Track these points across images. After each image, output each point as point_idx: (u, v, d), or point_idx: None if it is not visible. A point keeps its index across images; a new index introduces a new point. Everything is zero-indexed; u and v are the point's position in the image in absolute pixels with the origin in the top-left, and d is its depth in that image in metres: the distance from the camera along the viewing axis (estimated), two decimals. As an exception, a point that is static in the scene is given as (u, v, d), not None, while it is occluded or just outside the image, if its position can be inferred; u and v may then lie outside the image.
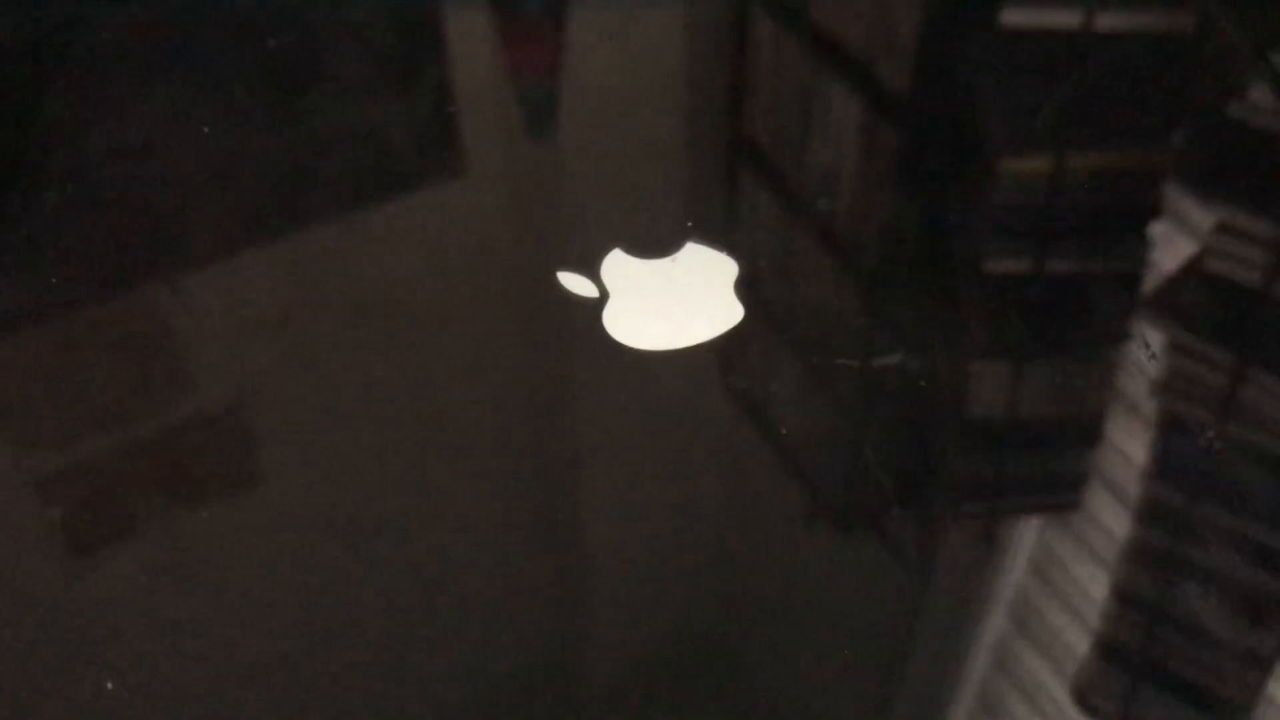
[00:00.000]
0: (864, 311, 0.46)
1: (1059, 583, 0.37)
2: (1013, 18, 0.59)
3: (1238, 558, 0.37)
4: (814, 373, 0.43)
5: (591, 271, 0.45)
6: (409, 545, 0.37)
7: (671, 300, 0.44)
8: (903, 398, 0.42)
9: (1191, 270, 0.47)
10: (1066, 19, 0.58)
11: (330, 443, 0.40)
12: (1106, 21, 0.59)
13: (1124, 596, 0.37)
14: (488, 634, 0.36)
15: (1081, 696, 0.34)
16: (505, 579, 0.37)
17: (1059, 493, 0.40)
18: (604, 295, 0.44)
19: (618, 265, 0.45)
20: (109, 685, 0.34)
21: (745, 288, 0.44)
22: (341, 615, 0.36)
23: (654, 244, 0.46)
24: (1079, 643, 0.36)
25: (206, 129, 0.51)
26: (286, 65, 0.55)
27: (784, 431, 0.41)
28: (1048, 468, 0.41)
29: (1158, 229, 0.48)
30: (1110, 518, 0.38)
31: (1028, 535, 0.39)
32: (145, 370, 0.43)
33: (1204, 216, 0.49)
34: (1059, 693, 0.34)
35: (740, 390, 0.42)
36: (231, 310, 0.45)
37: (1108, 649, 0.35)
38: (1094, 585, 0.37)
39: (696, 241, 0.46)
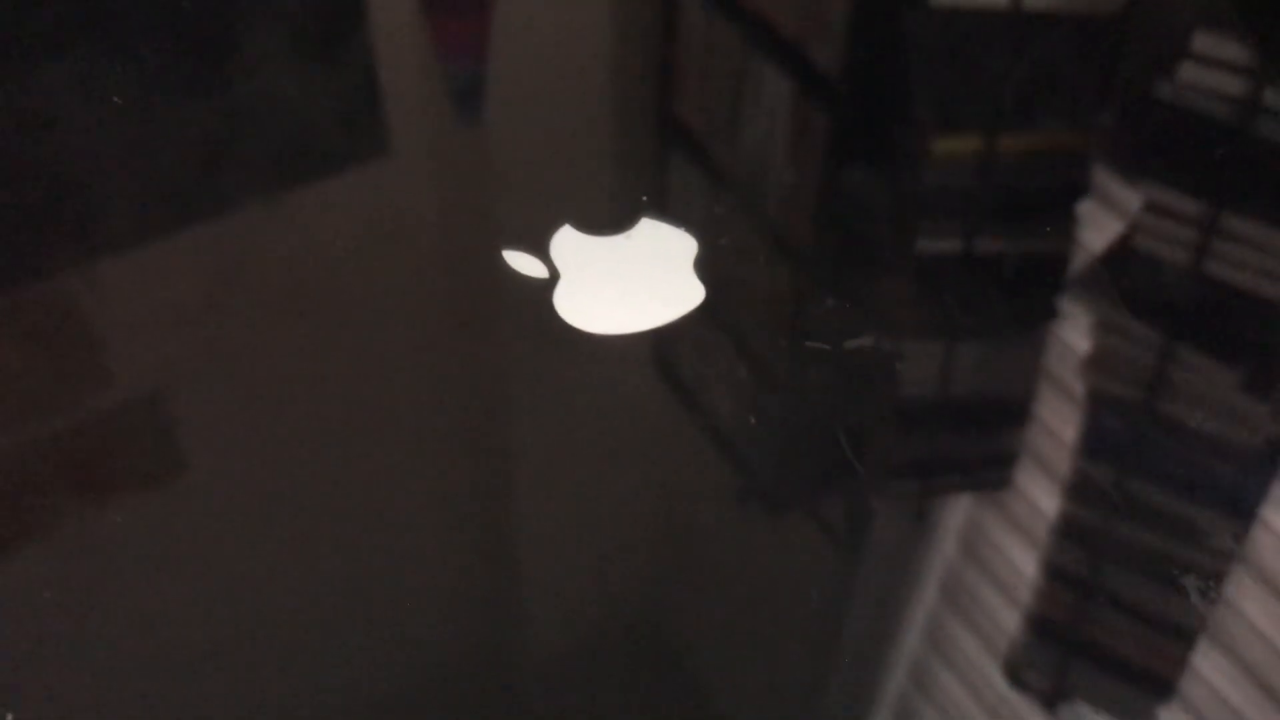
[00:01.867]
0: (817, 293, 0.45)
1: (989, 560, 0.37)
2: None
3: (1164, 534, 0.38)
4: (779, 355, 0.42)
5: (540, 249, 0.43)
6: (341, 532, 0.37)
7: (627, 280, 0.42)
8: (851, 378, 0.42)
9: (1120, 249, 0.47)
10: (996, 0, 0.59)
11: (257, 432, 0.39)
12: (1035, 2, 0.59)
13: (1053, 573, 0.37)
14: (425, 618, 0.35)
15: (1012, 672, 0.35)
16: (442, 564, 0.37)
17: (989, 471, 0.41)
18: (554, 274, 0.43)
19: (567, 243, 0.43)
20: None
21: (706, 266, 0.43)
22: (272, 605, 0.35)
23: (606, 220, 0.44)
24: (1009, 619, 0.36)
25: (117, 99, 0.50)
26: (202, 31, 0.54)
27: (753, 420, 0.40)
28: (978, 446, 0.42)
29: (1086, 208, 0.49)
30: (1040, 495, 0.39)
31: (958, 513, 0.39)
32: (58, 361, 0.41)
33: (1132, 196, 0.49)
34: (990, 669, 0.35)
35: (712, 374, 0.41)
36: (149, 296, 0.43)
37: (1038, 625, 0.36)
38: (1024, 562, 0.37)
39: (652, 217, 0.44)
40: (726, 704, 0.34)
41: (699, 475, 0.39)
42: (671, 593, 0.37)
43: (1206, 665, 0.35)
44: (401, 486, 0.38)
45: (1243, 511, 0.38)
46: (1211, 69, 0.55)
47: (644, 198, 0.45)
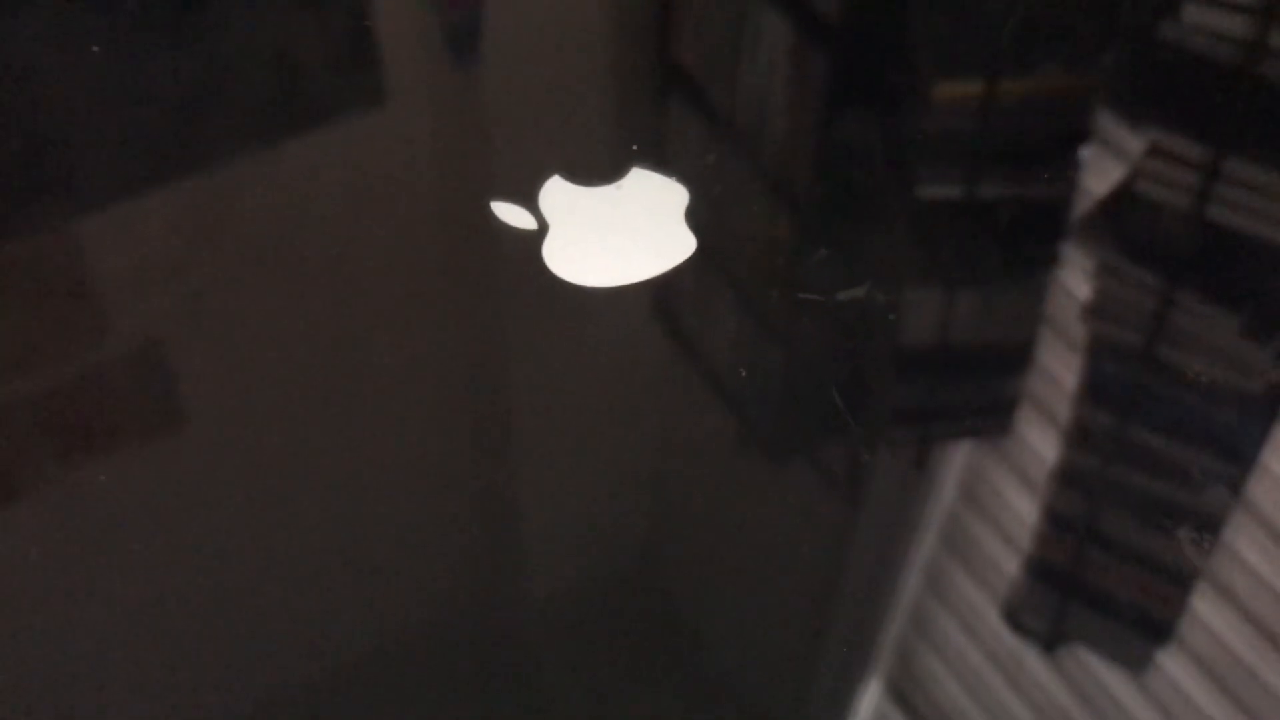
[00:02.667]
0: (813, 242, 0.45)
1: (990, 505, 0.37)
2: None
3: (1164, 479, 0.38)
4: (772, 307, 0.42)
5: (528, 201, 0.43)
6: (334, 484, 0.37)
7: (618, 231, 0.42)
8: (850, 328, 0.41)
9: (1122, 193, 0.47)
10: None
11: (248, 385, 0.39)
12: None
13: (1053, 518, 0.37)
14: (421, 569, 0.35)
15: (1012, 616, 0.35)
16: (437, 515, 0.37)
17: (990, 417, 0.41)
18: (543, 226, 0.42)
19: (557, 194, 0.43)
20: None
21: (697, 217, 0.42)
22: (267, 556, 0.35)
23: (596, 170, 0.44)
24: (1009, 564, 0.36)
25: (96, 48, 0.49)
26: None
27: (742, 373, 0.40)
28: (979, 392, 0.42)
29: (1088, 153, 0.49)
30: (1040, 441, 0.39)
31: (958, 460, 0.39)
32: (46, 315, 0.41)
33: (1135, 140, 0.49)
34: (990, 613, 0.35)
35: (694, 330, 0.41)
36: (136, 250, 0.43)
37: (1037, 569, 0.36)
38: (1024, 508, 0.37)
39: (642, 167, 0.44)
40: (725, 651, 0.34)
41: (694, 426, 0.39)
42: (669, 542, 0.37)
43: (1205, 609, 0.35)
44: (394, 438, 0.38)
45: (1242, 457, 0.38)
46: (1215, 10, 0.54)
47: (634, 147, 0.45)
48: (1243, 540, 0.36)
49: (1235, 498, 0.37)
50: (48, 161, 0.46)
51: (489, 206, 0.43)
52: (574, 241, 0.41)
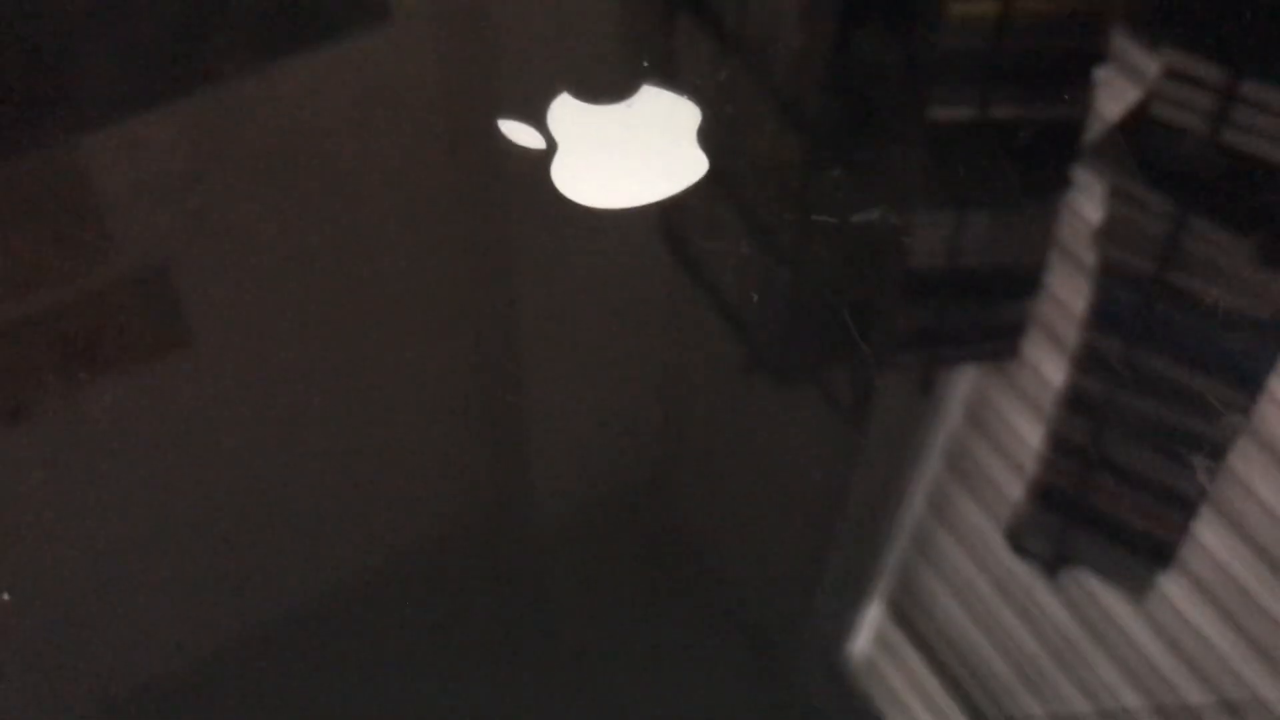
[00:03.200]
0: (825, 163, 0.44)
1: (994, 430, 0.37)
2: None
3: (1172, 405, 0.38)
4: (785, 229, 0.42)
5: (536, 119, 0.42)
6: (341, 404, 0.37)
7: (628, 151, 0.41)
8: (862, 250, 0.41)
9: (1137, 116, 0.46)
10: None
11: (254, 305, 0.39)
12: None
13: (1058, 443, 0.37)
14: (426, 490, 0.35)
15: (1015, 539, 0.35)
16: (442, 436, 0.37)
17: (997, 341, 0.40)
18: (551, 145, 0.42)
19: (565, 112, 0.42)
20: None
21: (709, 136, 0.42)
22: (273, 477, 0.35)
23: (605, 88, 0.43)
24: (1013, 488, 0.36)
25: None
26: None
27: (755, 297, 0.40)
28: (985, 317, 0.42)
29: (1103, 74, 0.48)
30: (1047, 365, 0.39)
31: (964, 384, 0.39)
32: (50, 235, 0.41)
33: (1151, 62, 0.48)
34: (993, 536, 0.35)
35: (709, 250, 0.41)
36: (136, 168, 0.42)
37: (1041, 493, 0.36)
38: (1029, 432, 0.37)
39: (653, 85, 0.43)
40: (729, 570, 0.34)
41: (703, 348, 0.39)
42: (674, 463, 0.37)
43: (1209, 535, 0.35)
44: (399, 359, 0.38)
45: (1251, 384, 0.38)
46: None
47: (645, 63, 0.44)
48: (1249, 467, 0.36)
49: (1245, 424, 0.37)
50: (47, 76, 0.45)
51: (496, 125, 0.42)
52: (583, 161, 0.41)
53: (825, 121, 0.47)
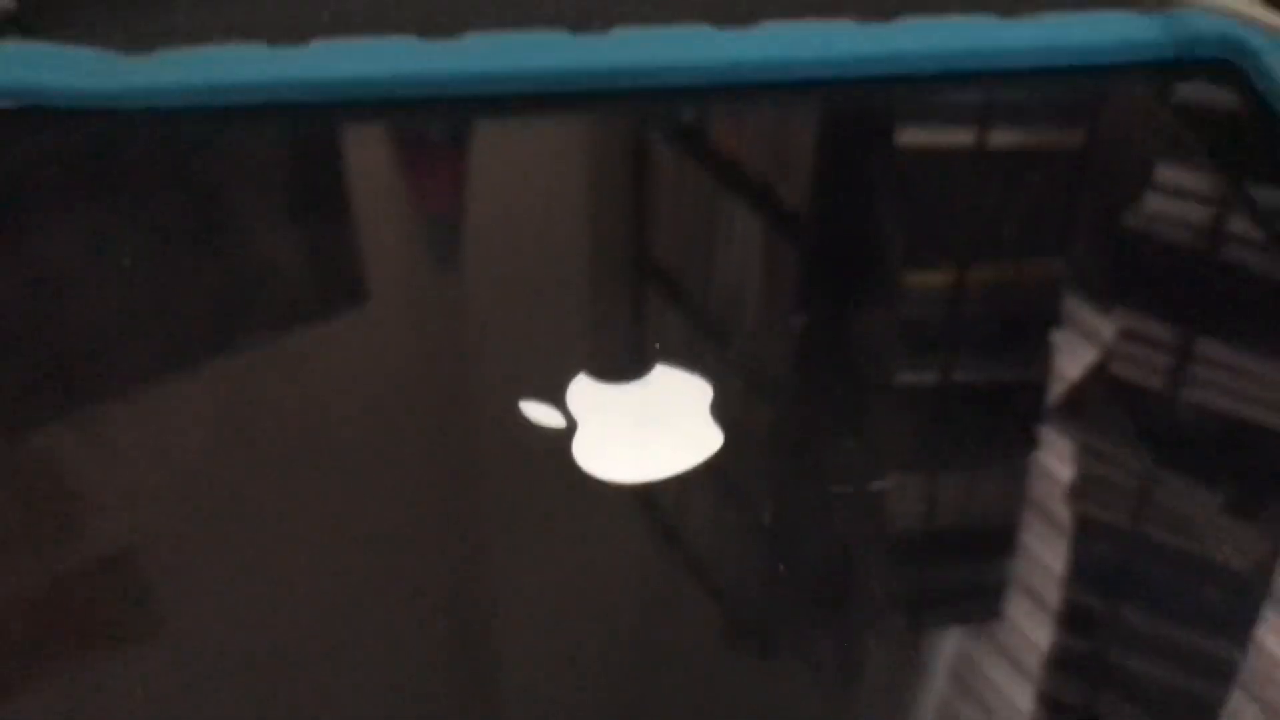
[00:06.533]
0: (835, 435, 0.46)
1: (982, 694, 0.37)
2: (907, 138, 0.63)
3: (1159, 660, 0.38)
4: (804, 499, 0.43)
5: (557, 400, 0.44)
6: (314, 691, 0.37)
7: (644, 427, 0.43)
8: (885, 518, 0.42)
9: (1096, 376, 0.49)
10: (960, 138, 0.62)
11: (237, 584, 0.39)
12: (999, 138, 0.62)
13: (1047, 705, 0.37)
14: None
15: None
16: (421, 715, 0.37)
17: (979, 603, 0.41)
18: (571, 424, 0.43)
19: (583, 392, 0.44)
20: None
21: (721, 411, 0.44)
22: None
23: (617, 369, 0.45)
24: (1006, 753, 0.36)
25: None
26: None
27: (782, 568, 0.41)
28: (966, 578, 0.42)
29: (1059, 337, 0.51)
30: (1031, 626, 0.39)
31: (949, 647, 0.39)
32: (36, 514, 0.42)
33: (1105, 324, 0.51)
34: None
35: None
36: (137, 453, 0.44)
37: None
38: (1018, 695, 0.37)
39: (666, 364, 0.46)
40: None
41: (686, 619, 0.40)
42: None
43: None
44: (379, 637, 0.38)
45: (1237, 635, 0.39)
46: (1176, 198, 0.57)
47: (656, 345, 0.47)
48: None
49: (1230, 678, 0.37)
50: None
51: (518, 407, 0.44)
52: (602, 438, 0.43)
53: (824, 393, 0.49)
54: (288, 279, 0.53)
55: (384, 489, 0.43)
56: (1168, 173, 0.59)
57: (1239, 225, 0.56)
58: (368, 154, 0.60)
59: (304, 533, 0.41)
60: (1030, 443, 0.46)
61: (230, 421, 0.45)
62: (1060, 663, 0.38)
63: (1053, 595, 0.41)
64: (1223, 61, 0.63)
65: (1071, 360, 0.49)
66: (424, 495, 0.44)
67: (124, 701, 0.36)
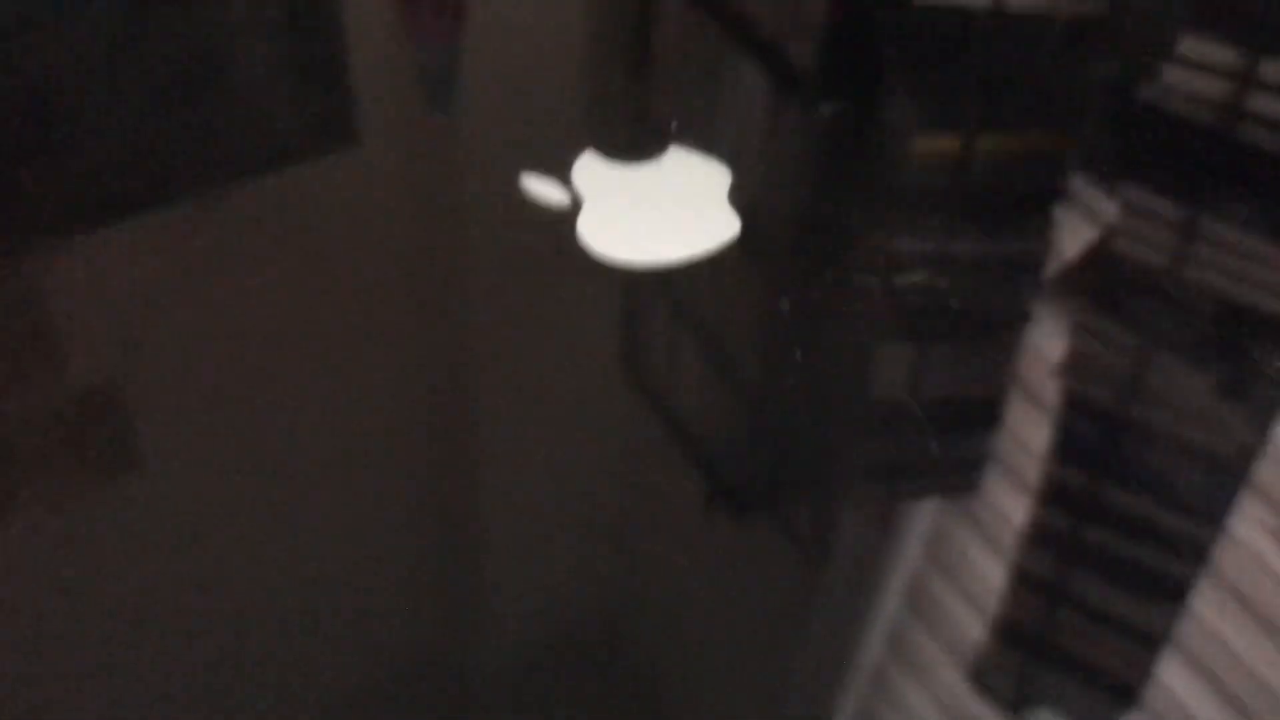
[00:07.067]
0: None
1: (954, 566, 0.38)
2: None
3: (1134, 538, 0.38)
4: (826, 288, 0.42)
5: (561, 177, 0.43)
6: (297, 531, 0.37)
7: (657, 210, 0.42)
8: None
9: (1096, 252, 0.48)
10: (979, -2, 0.60)
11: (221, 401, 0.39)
12: (1018, 1, 0.60)
13: (1020, 579, 0.38)
14: (381, 621, 0.36)
15: (976, 676, 0.35)
16: (399, 561, 0.37)
17: (956, 476, 0.41)
18: (576, 202, 0.42)
19: (591, 171, 0.43)
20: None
21: (738, 197, 0.43)
22: (232, 602, 0.35)
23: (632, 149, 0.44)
24: (972, 625, 0.37)
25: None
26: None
27: (798, 354, 0.40)
28: (945, 451, 0.42)
29: (1062, 211, 0.50)
30: (1006, 501, 0.40)
31: (925, 519, 0.39)
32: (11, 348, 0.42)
33: (1109, 200, 0.50)
34: (951, 674, 0.35)
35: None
36: (106, 280, 0.43)
37: (1002, 630, 0.36)
38: (988, 568, 0.38)
39: (682, 147, 0.44)
40: (687, 707, 0.34)
41: (664, 483, 0.40)
42: (634, 593, 0.37)
43: (1170, 674, 0.35)
44: (358, 484, 0.39)
45: (1212, 520, 0.39)
46: (1195, 71, 0.55)
47: (673, 123, 0.46)
48: (1209, 607, 0.37)
49: (1204, 560, 0.38)
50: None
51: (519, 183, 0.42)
52: (610, 219, 0.41)
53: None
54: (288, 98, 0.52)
55: (381, 280, 0.42)
56: (1188, 44, 0.57)
57: (1259, 103, 0.54)
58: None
59: (298, 344, 0.41)
60: (1022, 317, 0.46)
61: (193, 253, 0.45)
62: (1036, 539, 0.39)
63: (1031, 471, 0.41)
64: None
65: (1072, 235, 0.49)
66: (420, 281, 0.43)
67: (108, 530, 0.37)
